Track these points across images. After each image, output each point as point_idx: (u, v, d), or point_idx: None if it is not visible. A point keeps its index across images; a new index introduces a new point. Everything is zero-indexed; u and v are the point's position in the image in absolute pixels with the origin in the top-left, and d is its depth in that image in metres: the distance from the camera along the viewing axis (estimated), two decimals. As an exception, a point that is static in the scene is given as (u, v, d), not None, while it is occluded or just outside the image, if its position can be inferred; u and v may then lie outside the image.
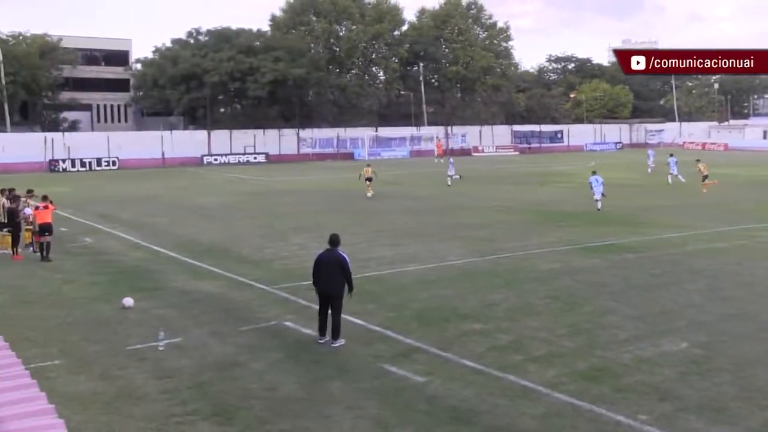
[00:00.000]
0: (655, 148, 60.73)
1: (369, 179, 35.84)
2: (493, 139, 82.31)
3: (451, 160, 44.59)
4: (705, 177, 36.25)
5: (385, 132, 77.57)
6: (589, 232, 23.44)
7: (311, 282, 12.44)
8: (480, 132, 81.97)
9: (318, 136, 73.71)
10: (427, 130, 78.71)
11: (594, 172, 30.82)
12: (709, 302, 14.62)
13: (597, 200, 29.17)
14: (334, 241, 12.21)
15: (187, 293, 15.88)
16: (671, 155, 42.30)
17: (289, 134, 72.80)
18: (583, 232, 23.46)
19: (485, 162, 64.94)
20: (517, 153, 79.22)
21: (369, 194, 34.95)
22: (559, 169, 53.85)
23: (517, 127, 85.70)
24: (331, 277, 11.95)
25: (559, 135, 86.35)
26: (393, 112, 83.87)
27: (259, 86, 70.44)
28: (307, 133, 73.52)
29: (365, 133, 74.57)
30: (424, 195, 36.19)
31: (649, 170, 47.38)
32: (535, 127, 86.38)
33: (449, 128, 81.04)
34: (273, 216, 28.78)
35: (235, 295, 15.69)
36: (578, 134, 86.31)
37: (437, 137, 75.95)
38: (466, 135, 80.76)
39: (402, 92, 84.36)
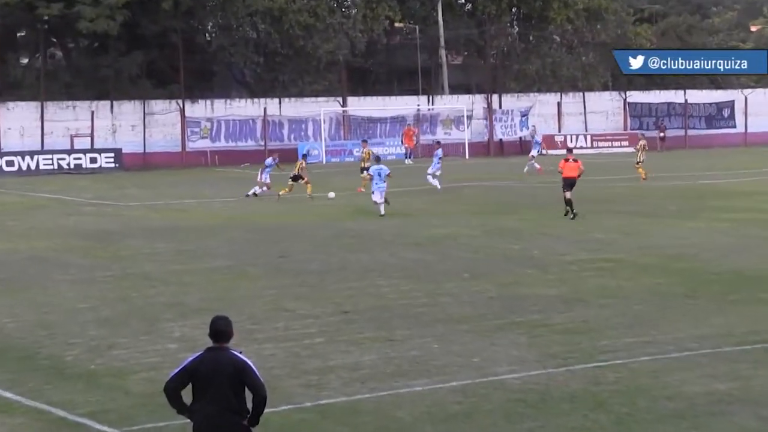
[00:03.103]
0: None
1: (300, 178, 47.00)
2: (586, 120, 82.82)
3: (274, 161, 51.52)
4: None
5: (363, 108, 78.33)
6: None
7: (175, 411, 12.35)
8: (559, 106, 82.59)
9: (224, 116, 74.40)
10: (447, 103, 79.33)
11: (378, 159, 41.20)
12: None
13: (377, 203, 40.62)
14: (219, 331, 12.12)
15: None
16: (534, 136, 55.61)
17: (165, 111, 73.38)
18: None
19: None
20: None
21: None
22: (725, 183, 53.97)
23: (636, 96, 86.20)
24: (222, 396, 11.85)
25: (725, 111, 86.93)
26: (379, 69, 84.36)
27: (104, 13, 70.89)
28: (200, 110, 74.22)
29: (321, 109, 75.22)
30: (443, 236, 36.36)
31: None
32: (675, 96, 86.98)
33: (494, 98, 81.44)
34: (130, 280, 28.91)
35: (48, 446, 15.60)
36: (766, 110, 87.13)
37: (409, 124, 77.07)
38: (530, 113, 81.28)
39: (398, 25, 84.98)
